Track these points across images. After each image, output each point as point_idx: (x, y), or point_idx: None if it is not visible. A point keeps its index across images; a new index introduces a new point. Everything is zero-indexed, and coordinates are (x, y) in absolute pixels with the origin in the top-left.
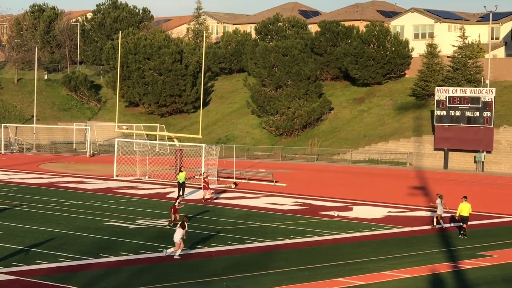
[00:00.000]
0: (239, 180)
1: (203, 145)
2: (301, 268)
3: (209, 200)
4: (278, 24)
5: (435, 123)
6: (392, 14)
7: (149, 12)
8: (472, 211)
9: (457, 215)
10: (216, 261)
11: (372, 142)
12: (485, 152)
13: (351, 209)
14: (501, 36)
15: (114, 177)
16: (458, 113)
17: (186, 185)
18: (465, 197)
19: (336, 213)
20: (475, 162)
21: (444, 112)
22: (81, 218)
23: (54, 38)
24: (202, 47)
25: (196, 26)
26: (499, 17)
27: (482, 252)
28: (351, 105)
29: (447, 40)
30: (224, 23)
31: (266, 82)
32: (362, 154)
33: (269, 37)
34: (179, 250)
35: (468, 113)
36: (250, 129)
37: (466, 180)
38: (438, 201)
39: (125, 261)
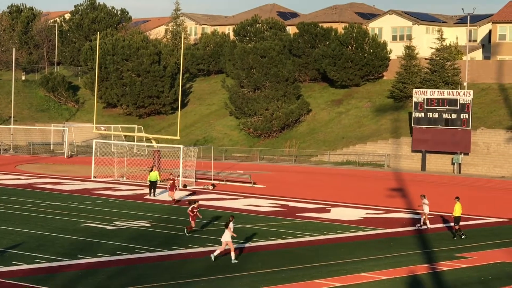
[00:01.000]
0: (217, 182)
1: (181, 146)
2: (278, 269)
3: (173, 202)
4: (257, 26)
5: (413, 125)
6: (370, 16)
7: (127, 13)
8: (451, 213)
9: (453, 216)
10: (193, 262)
11: (350, 144)
12: (462, 154)
13: (328, 211)
14: (479, 38)
15: (92, 178)
16: (435, 115)
17: (161, 186)
18: (457, 197)
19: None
20: (453, 164)
21: (421, 114)
22: (59, 219)
23: (32, 39)
24: (180, 48)
25: (174, 27)
26: (476, 19)
27: (459, 254)
28: (329, 107)
29: (425, 42)
30: (202, 24)
31: (244, 84)
32: (340, 155)
33: (247, 38)
34: (218, 251)
35: (445, 115)
36: (228, 131)
37: (443, 182)
38: (424, 200)
39: (102, 263)
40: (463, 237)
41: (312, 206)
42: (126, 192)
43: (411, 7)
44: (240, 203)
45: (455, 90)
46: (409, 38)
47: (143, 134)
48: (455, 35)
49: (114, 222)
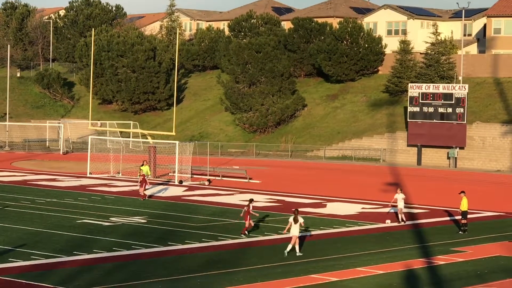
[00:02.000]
0: (213, 177)
1: (177, 142)
2: (275, 265)
3: (142, 198)
4: (251, 21)
5: (408, 120)
6: (365, 10)
7: (122, 9)
8: (446, 207)
9: (460, 210)
10: (190, 258)
11: (345, 139)
12: (458, 148)
13: (324, 206)
14: (474, 32)
15: (88, 175)
16: (431, 110)
17: (158, 182)
18: (463, 192)
19: (388, 221)
20: (448, 158)
21: (417, 109)
22: (55, 216)
23: (26, 36)
24: (176, 44)
25: (169, 23)
26: (471, 13)
27: (455, 248)
28: (325, 102)
29: (420, 36)
30: (197, 20)
31: (239, 79)
32: (336, 150)
33: (243, 34)
34: (290, 246)
35: (441, 110)
36: (223, 126)
37: (439, 176)
38: (399, 196)
39: (99, 259)
40: (461, 233)
41: (308, 201)
42: (122, 188)
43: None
44: (236, 199)
45: (450, 84)
46: (404, 32)
47: (139, 130)
48: (450, 29)
49: (110, 218)
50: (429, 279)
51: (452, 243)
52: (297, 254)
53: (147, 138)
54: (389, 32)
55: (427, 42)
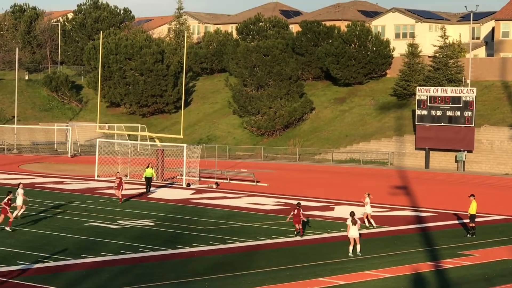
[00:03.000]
0: (221, 180)
1: (185, 145)
2: (282, 268)
3: (120, 201)
4: (259, 24)
5: (416, 123)
6: (373, 14)
7: (130, 12)
8: (454, 211)
9: (469, 213)
10: (198, 261)
11: (353, 142)
12: (466, 151)
13: (332, 209)
14: (482, 36)
15: (96, 178)
16: (439, 113)
17: (166, 185)
18: (472, 195)
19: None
20: (456, 161)
21: (425, 112)
22: (63, 218)
23: (35, 38)
24: (184, 47)
25: (177, 26)
26: (479, 17)
27: (463, 252)
28: (333, 105)
29: (428, 40)
30: (205, 23)
31: (247, 82)
32: (344, 154)
33: (251, 37)
34: (351, 247)
35: (449, 113)
36: (231, 129)
37: (447, 180)
38: (366, 199)
39: (106, 262)
40: (469, 236)
41: (316, 204)
42: (129, 191)
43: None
44: (244, 202)
45: (458, 88)
46: (412, 36)
47: (147, 133)
48: (458, 33)
49: (118, 221)
50: (437, 283)
51: (460, 247)
52: (358, 253)
53: (155, 141)
54: (397, 36)
55: (435, 46)
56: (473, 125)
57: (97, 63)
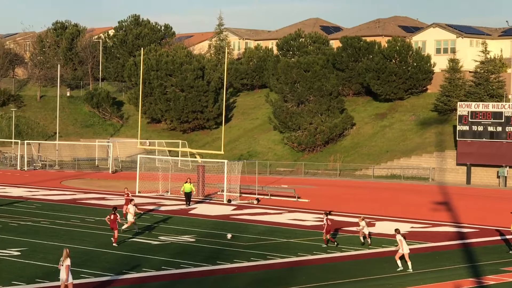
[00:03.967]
0: (262, 196)
1: (225, 161)
2: (323, 284)
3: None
4: (300, 40)
5: (457, 138)
6: (414, 29)
7: (171, 28)
8: (496, 226)
9: (510, 229)
10: (238, 277)
11: (394, 158)
12: (508, 167)
13: (373, 225)
14: None
15: (137, 194)
16: (480, 128)
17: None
18: None
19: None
20: (498, 177)
21: (466, 127)
22: (104, 234)
23: (76, 55)
24: (224, 63)
25: (218, 42)
26: None
27: (505, 268)
28: (373, 121)
29: (469, 55)
30: (245, 39)
31: (288, 98)
32: (385, 169)
33: (291, 53)
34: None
35: (490, 128)
36: (272, 145)
37: (489, 195)
38: (362, 223)
39: (148, 278)
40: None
41: (357, 220)
42: (170, 207)
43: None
44: (285, 218)
45: (500, 103)
46: (453, 51)
47: (187, 149)
48: (500, 48)
49: (159, 237)
50: None
51: (502, 263)
52: (410, 270)
53: (195, 157)
54: (438, 51)
55: (476, 61)
56: None
57: (138, 79)
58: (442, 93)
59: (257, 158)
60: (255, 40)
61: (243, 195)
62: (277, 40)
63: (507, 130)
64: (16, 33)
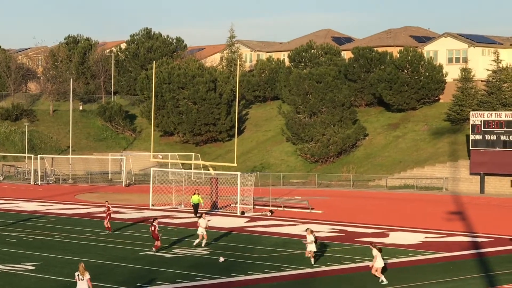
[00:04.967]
0: (275, 208)
1: (239, 173)
2: None
3: (109, 230)
4: (312, 51)
5: (470, 148)
6: (425, 39)
7: (183, 41)
8: (510, 236)
9: None
10: None
11: (407, 168)
12: None
13: (387, 235)
14: None
15: (150, 207)
16: (493, 137)
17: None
18: None
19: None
20: None
21: (479, 137)
22: (118, 248)
23: (88, 69)
24: (236, 75)
25: (229, 54)
26: None
27: None
28: (386, 131)
29: (481, 64)
30: (257, 51)
31: (300, 109)
32: (398, 179)
33: (303, 64)
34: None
35: (503, 137)
36: (285, 157)
37: (503, 205)
38: (310, 237)
39: None
40: None
41: (371, 231)
42: (184, 220)
43: (467, 29)
44: (298, 229)
45: None
46: (465, 60)
47: (200, 162)
48: None
49: (173, 250)
50: None
51: None
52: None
53: (208, 170)
54: (449, 60)
55: (488, 70)
56: None
57: (150, 92)
58: (455, 102)
59: (270, 170)
60: (267, 52)
61: (256, 207)
62: (288, 52)
63: None
64: (29, 48)
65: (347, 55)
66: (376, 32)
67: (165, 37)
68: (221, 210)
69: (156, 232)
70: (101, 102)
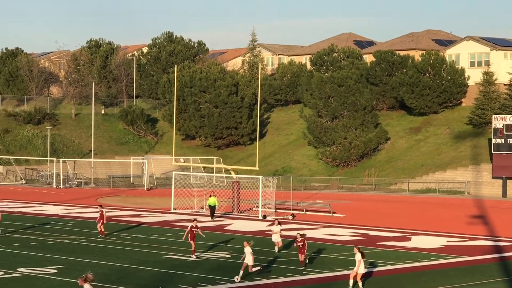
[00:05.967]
0: (297, 212)
1: (260, 177)
2: None
3: (103, 234)
4: (333, 55)
5: (492, 151)
6: (447, 42)
7: (204, 45)
8: None
9: None
10: None
11: (429, 172)
12: None
13: (409, 239)
14: None
15: (172, 210)
16: None
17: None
18: None
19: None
20: None
21: (501, 140)
22: (140, 251)
23: (110, 73)
24: (258, 79)
25: (251, 58)
26: None
27: None
28: (408, 135)
29: (504, 67)
30: (279, 54)
31: (322, 113)
32: (420, 183)
33: (324, 68)
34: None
35: None
36: (306, 160)
37: None
38: (275, 228)
39: None
40: None
41: (393, 235)
42: (206, 224)
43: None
44: (320, 233)
45: None
46: (487, 64)
47: (222, 165)
48: None
49: (195, 254)
50: None
51: None
52: None
53: (230, 173)
54: (472, 64)
55: (510, 73)
56: None
57: (172, 96)
58: (477, 106)
59: (292, 174)
60: (289, 56)
61: (278, 210)
62: (310, 55)
63: None
64: (51, 52)
65: (368, 58)
66: (398, 35)
67: (187, 40)
68: (242, 214)
69: (193, 233)
70: (123, 105)
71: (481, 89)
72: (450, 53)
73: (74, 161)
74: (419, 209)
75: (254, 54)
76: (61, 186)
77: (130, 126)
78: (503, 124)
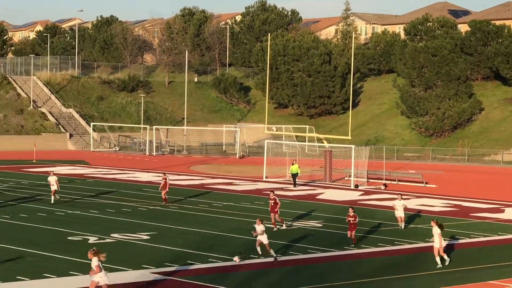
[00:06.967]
0: (389, 182)
1: (353, 146)
2: (452, 270)
3: (165, 202)
4: (428, 24)
5: None
6: None
7: (298, 14)
8: None
9: None
10: (366, 262)
11: None
12: None
13: (503, 211)
14: None
15: (264, 179)
16: None
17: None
18: None
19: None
20: None
21: None
22: (232, 219)
23: (203, 41)
24: (351, 48)
25: (344, 27)
26: None
27: None
28: (502, 105)
29: None
30: (372, 24)
31: (415, 83)
32: None
33: (418, 37)
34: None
35: None
36: (399, 130)
37: None
38: (398, 202)
39: (274, 263)
40: None
41: (486, 206)
42: (297, 192)
43: None
44: (412, 203)
45: None
46: None
47: (314, 134)
48: None
49: (286, 222)
50: None
51: None
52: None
53: (322, 142)
54: None
55: None
56: None
57: (265, 64)
58: None
59: (384, 143)
60: (382, 25)
61: (370, 180)
62: (404, 25)
63: None
64: (145, 20)
65: (463, 28)
66: (494, 5)
67: (280, 9)
68: (334, 183)
69: (274, 204)
70: (215, 74)
71: None
72: None
73: (167, 129)
74: None
75: (348, 23)
76: (154, 154)
77: (222, 94)
78: None
